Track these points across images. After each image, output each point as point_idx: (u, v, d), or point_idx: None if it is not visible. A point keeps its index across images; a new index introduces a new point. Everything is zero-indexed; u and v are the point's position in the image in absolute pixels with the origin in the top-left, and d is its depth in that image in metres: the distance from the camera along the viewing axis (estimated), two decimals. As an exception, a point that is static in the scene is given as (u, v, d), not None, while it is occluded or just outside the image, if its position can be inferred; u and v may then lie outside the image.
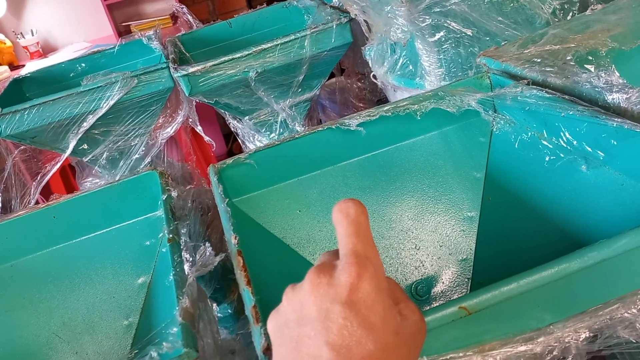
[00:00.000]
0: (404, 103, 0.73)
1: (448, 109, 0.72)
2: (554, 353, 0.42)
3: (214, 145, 1.43)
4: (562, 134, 0.62)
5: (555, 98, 0.63)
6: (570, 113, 0.59)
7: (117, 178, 1.50)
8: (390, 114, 0.72)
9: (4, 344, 0.72)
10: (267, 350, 0.40)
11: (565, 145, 0.61)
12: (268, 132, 1.44)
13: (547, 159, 0.65)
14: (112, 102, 1.27)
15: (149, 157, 1.47)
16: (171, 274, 0.53)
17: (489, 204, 0.75)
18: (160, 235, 0.75)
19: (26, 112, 1.23)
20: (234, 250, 0.53)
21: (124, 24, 3.11)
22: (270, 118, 1.42)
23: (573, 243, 0.63)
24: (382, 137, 0.75)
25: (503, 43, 0.93)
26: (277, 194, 0.75)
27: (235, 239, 0.54)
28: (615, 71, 0.64)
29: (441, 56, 0.96)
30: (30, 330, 0.72)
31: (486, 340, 0.40)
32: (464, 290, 0.73)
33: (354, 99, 1.93)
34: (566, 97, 0.63)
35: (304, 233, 0.74)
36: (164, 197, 0.69)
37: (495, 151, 0.74)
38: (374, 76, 1.25)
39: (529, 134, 0.68)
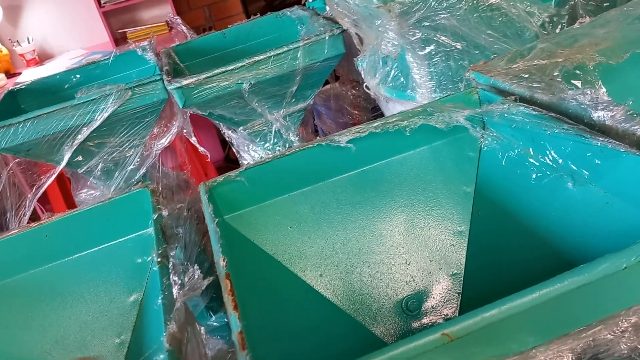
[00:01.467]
0: (393, 119, 0.73)
1: (437, 125, 0.72)
2: (537, 376, 0.43)
3: (209, 155, 1.43)
4: (547, 151, 0.62)
5: (541, 115, 0.63)
6: (556, 131, 0.60)
7: (112, 189, 1.50)
8: (379, 130, 0.73)
9: (-3, 363, 0.72)
10: (252, 378, 0.40)
11: (551, 163, 0.62)
12: (262, 142, 1.44)
13: (534, 175, 0.65)
14: (106, 115, 1.27)
15: (144, 168, 1.47)
16: (159, 298, 0.53)
17: (479, 219, 0.75)
18: (151, 255, 0.76)
19: (20, 125, 1.23)
20: (222, 273, 0.53)
21: (120, 30, 3.11)
22: (264, 128, 1.42)
23: (560, 258, 0.64)
24: (372, 153, 0.76)
25: (492, 56, 0.93)
26: (268, 210, 0.75)
27: (224, 261, 0.54)
28: (602, 87, 0.65)
29: (432, 69, 0.97)
30: (23, 348, 0.72)
31: (469, 366, 0.41)
32: (454, 305, 0.74)
33: (349, 107, 1.94)
34: (552, 114, 0.63)
35: (294, 249, 0.75)
36: (155, 216, 0.70)
37: (484, 166, 0.75)
38: (367, 87, 1.25)
39: (516, 150, 0.68)
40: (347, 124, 2.00)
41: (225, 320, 1.44)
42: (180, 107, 1.25)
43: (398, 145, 0.76)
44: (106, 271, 0.75)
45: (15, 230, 0.72)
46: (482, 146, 0.74)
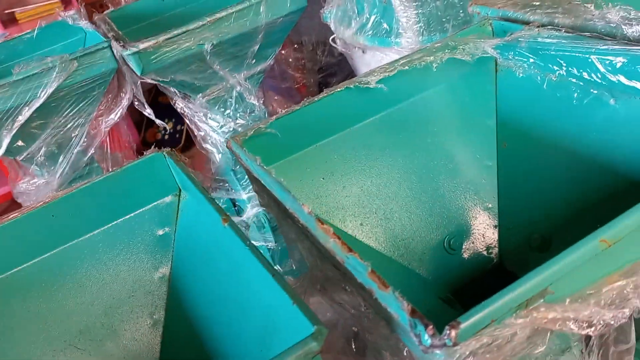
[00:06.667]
0: (419, 55, 0.71)
1: (464, 58, 0.71)
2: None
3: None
4: (590, 71, 0.63)
5: (577, 36, 0.64)
6: (602, 47, 0.60)
7: (57, 176, 1.36)
8: (407, 67, 0.70)
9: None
10: (414, 312, 0.37)
11: (599, 81, 0.62)
12: (222, 109, 1.36)
13: (575, 95, 0.66)
14: (50, 90, 1.14)
15: (92, 149, 1.34)
16: (253, 256, 0.48)
17: (505, 151, 0.75)
18: (173, 225, 0.69)
19: (-50, 110, 1.07)
20: (312, 220, 0.48)
21: (7, 11, 2.80)
22: (223, 94, 1.34)
23: (603, 176, 0.65)
24: (398, 93, 0.73)
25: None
26: (298, 163, 0.70)
27: (308, 207, 0.50)
28: (630, 7, 0.66)
29: (419, 10, 0.95)
30: (42, 346, 0.63)
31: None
32: (493, 238, 0.74)
33: (292, 70, 1.89)
34: (587, 34, 0.64)
35: (331, 201, 0.71)
36: (190, 179, 0.62)
37: (508, 96, 0.75)
38: (334, 40, 1.22)
39: (549, 75, 0.68)
40: (291, 89, 1.95)
41: (264, 243, 1.38)
42: (139, 74, 1.14)
43: (421, 83, 0.74)
44: (125, 248, 0.67)
45: (17, 213, 0.62)
46: (515, 73, 0.73)
